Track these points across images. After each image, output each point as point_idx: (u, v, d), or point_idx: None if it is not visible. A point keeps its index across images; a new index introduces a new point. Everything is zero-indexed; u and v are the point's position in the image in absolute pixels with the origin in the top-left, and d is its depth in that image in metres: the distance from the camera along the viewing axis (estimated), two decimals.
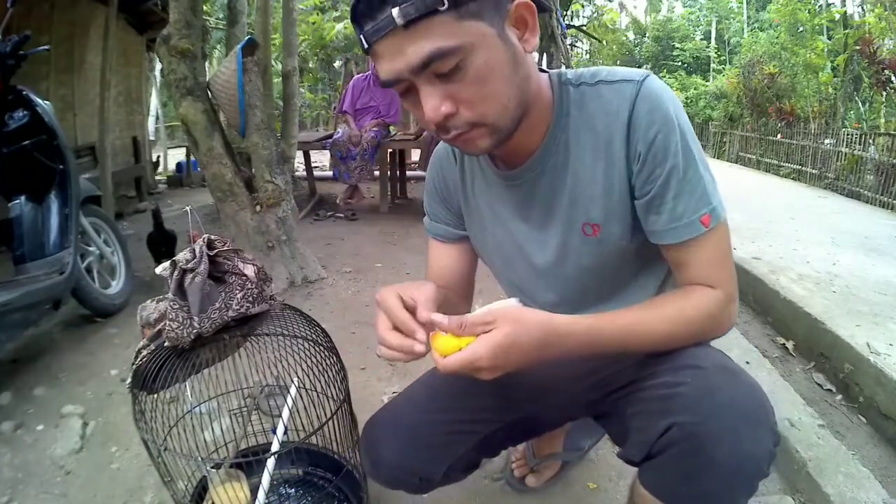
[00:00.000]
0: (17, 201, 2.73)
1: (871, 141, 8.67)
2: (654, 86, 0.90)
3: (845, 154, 9.02)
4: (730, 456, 0.79)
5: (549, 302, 1.09)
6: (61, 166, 2.82)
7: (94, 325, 2.98)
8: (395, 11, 0.75)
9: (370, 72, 6.16)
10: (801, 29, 12.79)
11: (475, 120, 0.84)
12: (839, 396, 2.28)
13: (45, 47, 3.03)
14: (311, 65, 15.80)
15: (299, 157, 6.89)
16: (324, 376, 1.45)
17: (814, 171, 9.94)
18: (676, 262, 0.97)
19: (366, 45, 0.82)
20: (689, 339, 0.93)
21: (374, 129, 5.80)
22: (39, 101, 2.81)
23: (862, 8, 14.87)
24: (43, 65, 5.17)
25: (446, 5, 0.75)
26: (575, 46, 19.68)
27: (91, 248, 3.14)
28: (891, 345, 2.28)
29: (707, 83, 18.00)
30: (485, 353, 0.80)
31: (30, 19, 3.51)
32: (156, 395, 1.33)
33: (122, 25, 6.83)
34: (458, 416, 1.09)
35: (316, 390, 1.46)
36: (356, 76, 6.44)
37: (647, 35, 21.57)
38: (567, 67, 6.95)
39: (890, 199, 7.45)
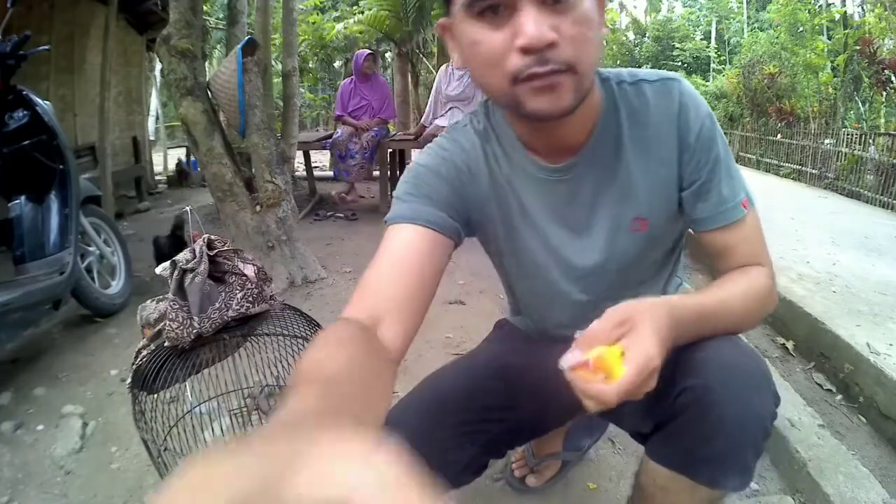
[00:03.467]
0: (18, 201, 2.74)
1: (870, 141, 8.66)
2: (689, 85, 0.98)
3: (845, 154, 9.01)
4: (738, 415, 0.82)
5: (579, 301, 1.08)
6: (61, 166, 2.82)
7: (94, 325, 2.98)
8: None
9: (353, 74, 6.20)
10: (801, 29, 12.78)
11: (573, 61, 0.78)
12: (839, 396, 2.28)
13: (46, 47, 3.04)
14: (311, 65, 15.81)
15: (299, 157, 6.90)
16: None
17: (814, 171, 9.93)
18: (722, 247, 0.99)
19: None
20: (757, 316, 0.98)
21: (374, 128, 5.80)
22: (39, 101, 2.81)
23: (862, 8, 14.87)
24: (43, 65, 5.17)
25: None
26: None
27: (91, 248, 3.14)
28: (891, 345, 2.28)
29: (707, 83, 18.00)
30: (653, 347, 0.74)
31: (30, 19, 3.53)
32: (156, 395, 1.33)
33: (122, 25, 6.83)
34: (467, 417, 1.06)
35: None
36: (342, 82, 6.46)
37: (646, 35, 21.58)
38: None
39: (890, 199, 7.44)
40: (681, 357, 0.85)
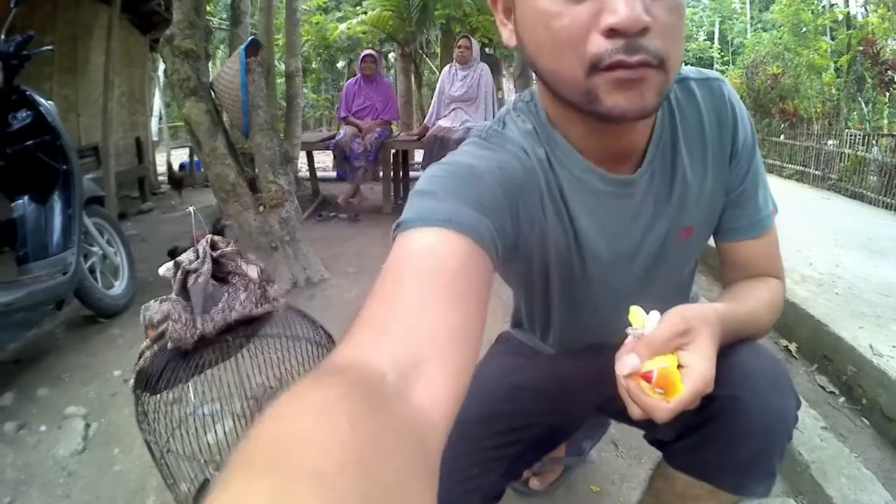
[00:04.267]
0: (21, 201, 2.74)
1: (874, 142, 8.65)
2: (730, 85, 0.92)
3: (848, 155, 9.00)
4: (765, 422, 0.81)
5: (612, 317, 0.89)
6: (65, 167, 2.83)
7: (98, 325, 2.99)
8: None
9: (357, 74, 6.23)
10: (804, 29, 12.78)
11: (664, 54, 0.66)
12: (842, 399, 2.27)
13: (49, 47, 3.05)
14: (314, 65, 15.82)
15: (303, 158, 6.90)
16: None
17: (817, 173, 9.91)
18: (747, 257, 0.96)
19: None
20: (770, 327, 0.95)
21: (378, 129, 5.81)
22: (43, 101, 2.82)
23: (865, 8, 14.85)
24: (46, 65, 5.18)
25: None
26: None
27: (94, 249, 3.15)
28: (894, 346, 2.27)
29: None
30: (713, 369, 0.71)
31: (33, 19, 3.55)
32: (159, 397, 1.33)
33: (126, 26, 6.84)
34: (484, 445, 0.99)
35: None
36: (347, 82, 6.48)
37: None
38: None
39: (893, 200, 7.43)
40: None
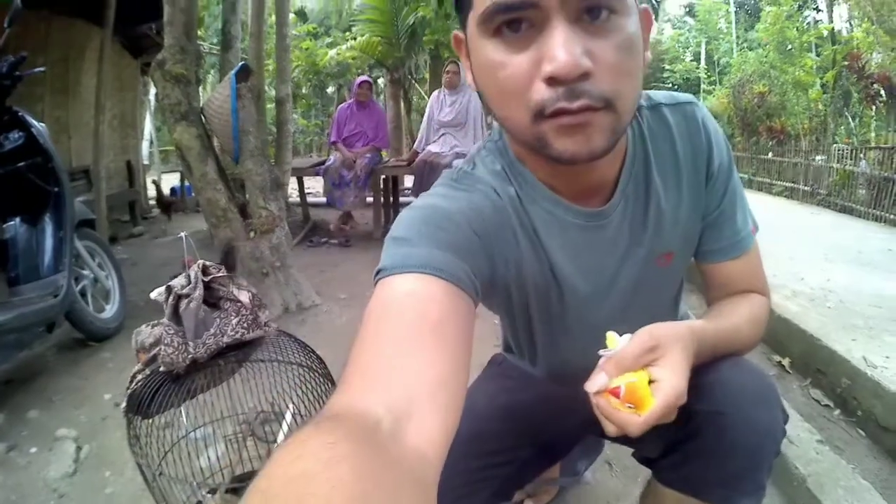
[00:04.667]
0: (12, 223, 2.74)
1: (861, 155, 8.73)
2: (705, 108, 0.92)
3: (836, 170, 9.08)
4: (750, 436, 0.80)
5: (596, 344, 0.90)
6: (56, 189, 2.82)
7: (88, 348, 2.97)
8: None
9: (351, 99, 6.26)
10: (789, 47, 12.92)
11: (610, 95, 0.65)
12: (837, 411, 2.27)
13: (41, 69, 3.06)
14: (304, 90, 15.93)
15: (293, 184, 6.91)
16: (319, 402, 1.45)
17: (806, 188, 9.98)
18: (728, 277, 0.97)
19: None
20: (755, 343, 0.95)
21: (367, 155, 5.84)
22: (35, 122, 2.83)
23: (850, 23, 15.06)
24: (38, 86, 5.19)
25: None
26: None
27: (85, 272, 3.14)
28: (887, 357, 2.28)
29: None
30: (684, 382, 0.72)
31: (25, 40, 3.57)
32: (151, 420, 1.32)
33: (118, 49, 6.87)
34: (475, 465, 1.00)
35: (311, 416, 1.45)
36: (340, 106, 6.52)
37: None
38: None
39: (882, 213, 7.49)
40: (690, 379, 0.77)
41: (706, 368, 0.83)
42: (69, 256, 2.79)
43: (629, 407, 0.71)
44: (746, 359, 0.91)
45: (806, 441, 1.92)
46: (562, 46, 0.62)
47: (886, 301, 3.08)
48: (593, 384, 0.73)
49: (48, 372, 2.73)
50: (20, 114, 2.79)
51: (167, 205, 7.72)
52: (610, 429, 0.72)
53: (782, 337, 2.78)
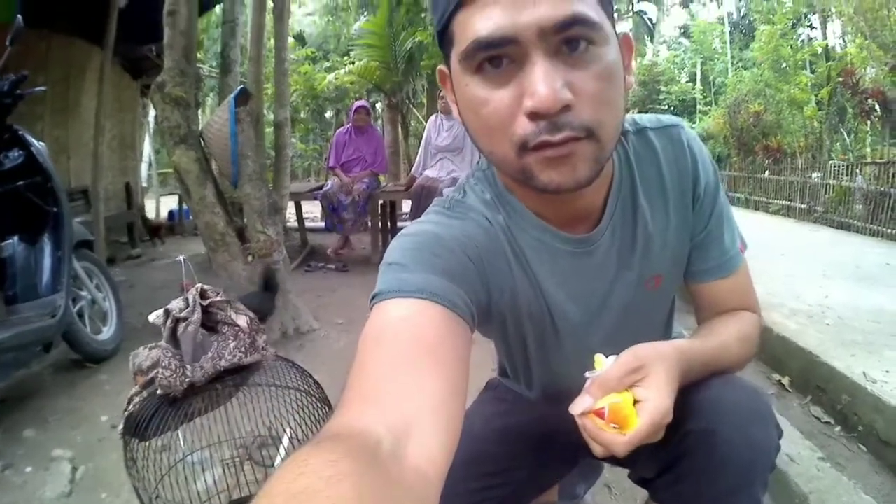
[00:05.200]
0: (10, 241, 2.74)
1: (857, 171, 8.77)
2: (691, 130, 0.93)
3: (833, 186, 9.12)
4: (743, 452, 0.79)
5: (589, 367, 0.97)
6: (55, 209, 2.83)
7: (85, 370, 2.96)
8: None
9: (349, 124, 6.28)
10: (784, 65, 12.99)
11: (592, 124, 0.67)
12: (838, 428, 2.26)
13: (42, 88, 3.07)
14: (302, 115, 16.03)
15: (291, 208, 6.92)
16: (316, 427, 1.45)
17: (803, 206, 10.01)
18: (718, 297, 0.97)
19: None
20: (747, 360, 0.95)
21: (365, 180, 5.86)
22: (35, 141, 2.84)
23: (843, 39, 15.18)
24: (38, 105, 5.23)
25: None
26: None
27: (83, 293, 3.13)
28: (887, 371, 2.28)
29: (694, 125, 18.26)
30: (668, 400, 0.72)
31: (26, 59, 3.61)
32: (147, 443, 1.32)
33: (118, 70, 6.93)
34: (470, 486, 1.01)
35: (308, 441, 1.44)
36: (338, 131, 6.56)
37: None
38: None
39: (880, 227, 7.51)
40: (681, 398, 0.79)
41: (697, 387, 0.84)
42: (67, 277, 2.79)
43: (614, 427, 0.71)
44: (739, 376, 0.90)
45: (807, 459, 1.92)
46: (542, 81, 0.64)
47: (885, 316, 3.08)
48: (577, 406, 0.74)
49: (44, 392, 2.73)
50: (20, 132, 2.80)
51: (154, 229, 7.63)
52: (597, 449, 0.73)
53: (781, 355, 2.78)
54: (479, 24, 0.65)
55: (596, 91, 0.67)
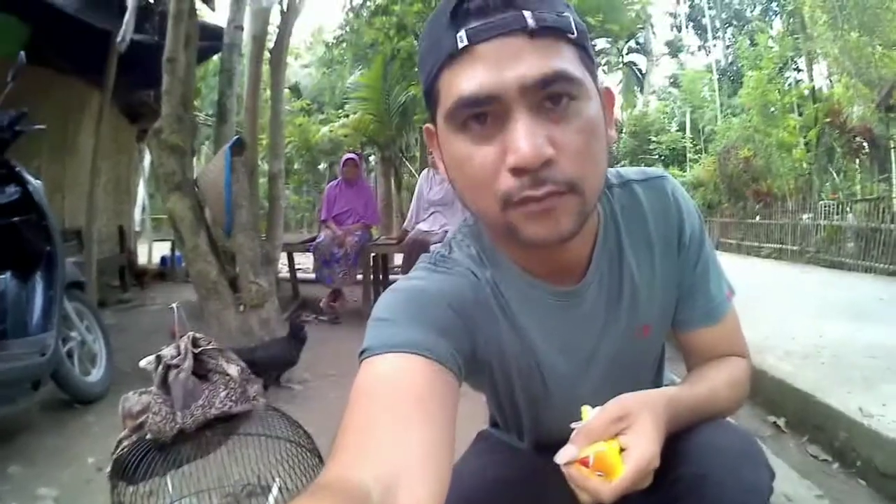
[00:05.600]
0: (3, 277, 2.74)
1: (848, 209, 8.86)
2: (676, 181, 0.95)
3: (824, 226, 9.20)
4: (736, 496, 0.78)
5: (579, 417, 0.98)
6: (49, 248, 2.83)
7: (73, 410, 2.94)
8: (527, 13, 0.65)
9: (339, 177, 6.34)
10: (772, 109, 13.15)
11: (574, 178, 0.68)
12: (836, 464, 2.24)
13: (41, 126, 3.08)
14: (296, 166, 16.15)
15: (283, 259, 6.93)
16: (306, 477, 1.44)
17: (794, 248, 10.10)
18: (705, 344, 0.97)
19: (462, 45, 0.67)
20: (737, 405, 0.95)
21: (357, 232, 5.88)
22: (32, 179, 2.85)
23: (830, 80, 15.45)
24: (35, 143, 5.26)
25: (575, 35, 0.69)
26: None
27: (73, 334, 3.11)
28: (884, 405, 2.28)
29: (684, 173, 18.44)
30: (654, 446, 0.72)
31: (25, 96, 3.67)
32: (135, 487, 1.30)
33: (115, 113, 7.00)
34: None
35: (298, 491, 1.43)
36: (329, 184, 6.58)
37: (623, 131, 22.15)
38: None
39: (872, 263, 7.56)
40: (671, 444, 0.79)
41: (687, 432, 0.83)
42: (58, 316, 2.78)
43: (600, 475, 0.71)
44: (729, 421, 0.90)
45: (805, 498, 1.90)
46: (524, 138, 0.65)
47: (880, 350, 3.09)
48: (562, 456, 0.73)
49: (32, 430, 2.70)
50: (17, 168, 2.81)
51: (140, 274, 7.55)
52: (584, 498, 0.72)
53: (776, 397, 2.77)
54: (464, 83, 0.67)
55: (577, 145, 0.68)
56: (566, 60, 0.68)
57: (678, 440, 0.81)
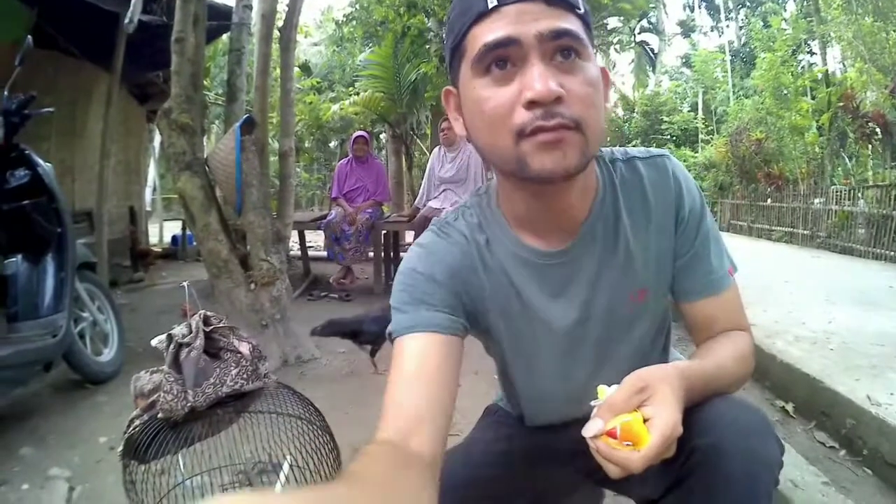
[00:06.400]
0: (14, 260, 2.76)
1: (859, 195, 8.78)
2: (678, 161, 1.01)
3: (835, 211, 9.12)
4: (748, 466, 0.80)
5: (577, 382, 1.02)
6: (59, 230, 2.85)
7: (85, 391, 2.96)
8: None
9: (350, 154, 6.36)
10: (785, 92, 12.99)
11: (579, 118, 0.78)
12: (843, 452, 2.25)
13: (50, 109, 3.10)
14: (307, 144, 16.11)
15: (294, 237, 6.94)
16: (317, 454, 1.44)
17: (805, 232, 10.02)
18: (708, 316, 1.01)
19: (492, 5, 0.79)
20: (743, 379, 0.98)
21: (368, 210, 5.90)
22: (41, 162, 2.87)
23: (843, 64, 15.24)
24: (44, 126, 5.26)
25: (582, 10, 0.82)
26: None
27: (84, 314, 3.15)
28: (892, 394, 2.27)
29: (696, 154, 18.28)
30: (677, 414, 0.74)
31: (34, 80, 3.67)
32: (147, 466, 1.32)
33: (124, 94, 7.00)
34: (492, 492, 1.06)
35: (309, 468, 1.44)
36: (339, 162, 6.59)
37: (635, 110, 21.91)
38: None
39: (883, 251, 7.50)
40: (685, 418, 0.80)
41: (699, 406, 0.85)
42: (69, 297, 2.80)
43: (627, 445, 0.73)
44: (738, 396, 0.92)
45: (812, 484, 1.90)
46: (538, 78, 0.76)
47: (889, 339, 3.08)
48: (589, 429, 0.76)
49: (43, 411, 2.73)
50: (27, 152, 2.83)
51: (142, 255, 7.36)
52: (612, 470, 0.74)
53: (785, 382, 2.77)
54: (490, 35, 0.79)
55: (583, 93, 0.79)
56: (575, 24, 0.80)
57: (692, 413, 0.83)
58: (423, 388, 0.85)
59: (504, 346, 1.06)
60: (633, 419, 0.74)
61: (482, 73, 0.82)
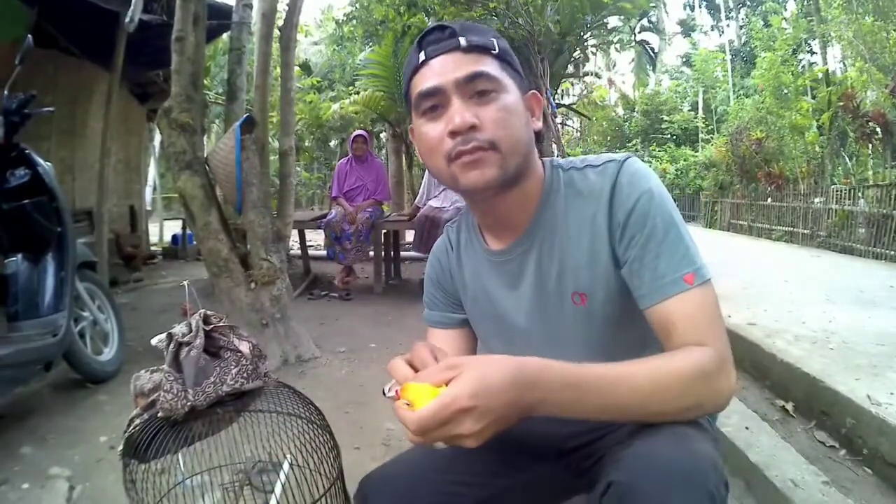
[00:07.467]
0: (14, 259, 2.76)
1: (860, 195, 8.77)
2: (635, 164, 1.03)
3: (835, 211, 9.12)
4: None
5: None
6: (59, 229, 2.85)
7: (85, 390, 2.97)
8: (461, 39, 0.98)
9: (349, 154, 6.37)
10: (785, 91, 12.97)
11: (493, 139, 0.95)
12: (843, 451, 2.24)
13: (50, 109, 3.10)
14: (307, 143, 16.08)
15: (294, 236, 6.94)
16: (317, 453, 1.44)
17: (805, 232, 10.03)
18: (663, 325, 0.94)
19: (421, 60, 1.00)
20: (681, 400, 0.87)
21: (369, 209, 5.90)
22: (41, 161, 2.86)
23: (843, 63, 15.23)
24: (45, 126, 5.28)
25: (497, 51, 1.00)
26: (566, 125, 20.01)
27: (85, 314, 3.15)
28: (892, 393, 2.27)
29: (696, 154, 18.25)
30: (466, 390, 0.75)
31: (35, 79, 3.66)
32: (147, 465, 1.32)
33: (125, 94, 7.01)
34: (454, 478, 1.06)
35: (309, 467, 1.44)
36: (339, 162, 6.59)
37: (635, 110, 21.89)
38: (557, 146, 7.09)
39: (883, 250, 7.50)
40: (616, 447, 0.87)
41: (637, 435, 0.86)
42: (70, 297, 2.80)
43: (407, 405, 0.80)
44: (694, 432, 0.87)
45: (811, 484, 1.90)
46: (457, 113, 0.95)
47: (889, 338, 3.08)
48: (386, 388, 0.85)
49: (43, 410, 2.73)
50: (27, 151, 2.83)
51: (128, 258, 6.93)
52: (406, 430, 0.81)
53: (785, 381, 2.77)
54: (422, 85, 0.99)
55: (495, 118, 0.96)
56: (488, 66, 0.98)
57: (622, 445, 0.85)
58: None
59: (481, 339, 1.26)
60: (424, 387, 0.80)
61: (421, 115, 1.02)
